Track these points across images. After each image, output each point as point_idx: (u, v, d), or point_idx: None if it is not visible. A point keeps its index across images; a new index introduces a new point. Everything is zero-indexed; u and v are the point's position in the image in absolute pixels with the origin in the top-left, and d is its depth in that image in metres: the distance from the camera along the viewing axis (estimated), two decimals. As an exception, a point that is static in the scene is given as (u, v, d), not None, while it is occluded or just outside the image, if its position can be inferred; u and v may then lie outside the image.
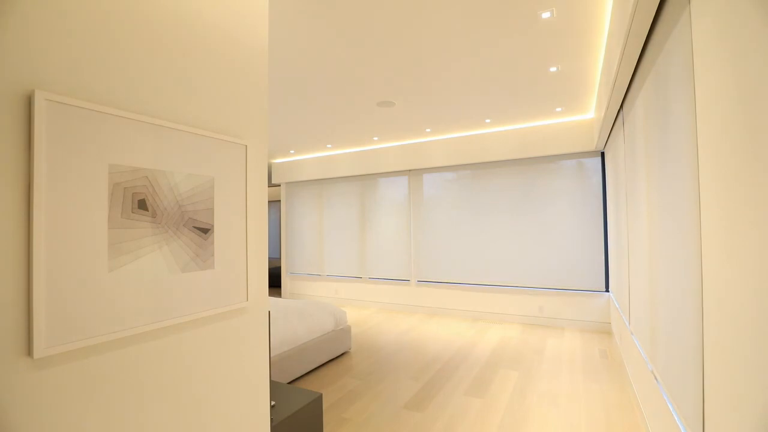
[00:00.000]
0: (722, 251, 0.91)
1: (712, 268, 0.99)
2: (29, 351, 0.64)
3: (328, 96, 3.53)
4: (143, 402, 0.81)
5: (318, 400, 1.95)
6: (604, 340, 4.05)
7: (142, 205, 0.81)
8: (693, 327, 1.18)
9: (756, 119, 0.73)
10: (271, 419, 1.69)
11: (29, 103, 0.65)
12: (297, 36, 2.40)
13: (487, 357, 3.58)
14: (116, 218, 0.77)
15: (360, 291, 6.14)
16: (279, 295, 7.33)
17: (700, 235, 1.08)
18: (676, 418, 1.43)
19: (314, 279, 6.65)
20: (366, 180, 6.13)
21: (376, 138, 5.29)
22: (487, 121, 4.48)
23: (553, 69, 2.97)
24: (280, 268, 7.98)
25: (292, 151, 6.12)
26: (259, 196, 1.12)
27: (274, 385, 2.06)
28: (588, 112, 4.26)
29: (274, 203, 8.17)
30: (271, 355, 2.89)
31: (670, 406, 1.53)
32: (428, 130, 4.87)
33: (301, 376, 3.21)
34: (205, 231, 0.95)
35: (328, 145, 5.72)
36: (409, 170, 5.73)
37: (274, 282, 8.13)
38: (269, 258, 8.34)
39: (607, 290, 4.39)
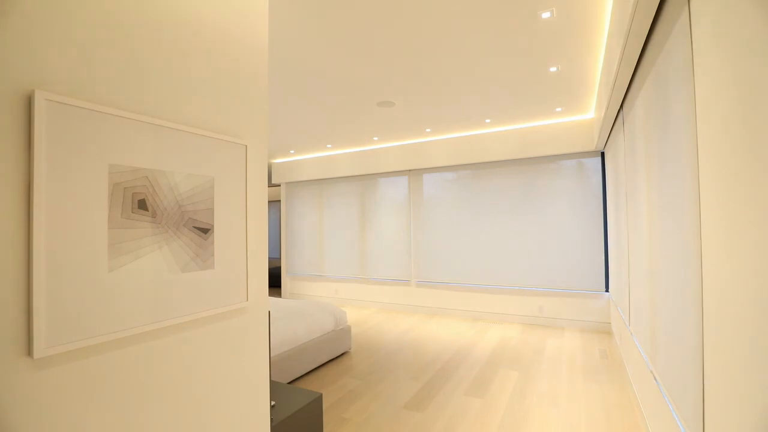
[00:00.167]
0: (722, 251, 0.91)
1: (712, 268, 0.99)
2: (29, 351, 0.64)
3: (328, 96, 3.53)
4: (143, 402, 0.81)
5: (318, 400, 1.95)
6: (604, 340, 4.05)
7: (142, 205, 0.81)
8: (693, 327, 1.18)
9: (756, 119, 0.73)
10: (271, 419, 1.69)
11: (29, 103, 0.65)
12: (297, 36, 2.40)
13: (487, 357, 3.58)
14: (116, 218, 0.77)
15: (360, 291, 6.14)
16: (279, 295, 7.32)
17: (700, 235, 1.08)
18: (675, 418, 1.43)
19: (314, 279, 6.65)
20: (366, 180, 6.13)
21: (376, 138, 5.29)
22: (487, 121, 4.48)
23: (553, 69, 2.97)
24: (280, 268, 7.97)
25: (292, 151, 6.13)
26: (259, 196, 1.12)
27: (274, 385, 2.06)
28: (588, 112, 4.26)
29: (274, 203, 8.17)
30: (271, 355, 2.89)
31: (669, 406, 1.53)
32: (428, 130, 4.87)
33: (301, 376, 3.20)
34: (205, 231, 0.95)
35: (328, 145, 5.72)
36: (409, 170, 5.73)
37: (274, 282, 8.13)
38: (269, 258, 8.34)
39: (607, 290, 4.39)
